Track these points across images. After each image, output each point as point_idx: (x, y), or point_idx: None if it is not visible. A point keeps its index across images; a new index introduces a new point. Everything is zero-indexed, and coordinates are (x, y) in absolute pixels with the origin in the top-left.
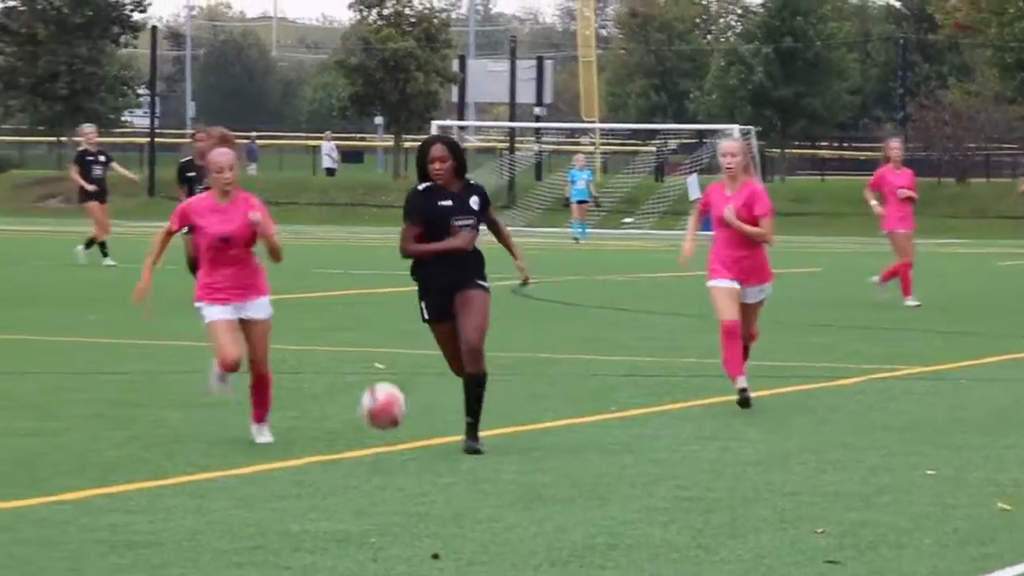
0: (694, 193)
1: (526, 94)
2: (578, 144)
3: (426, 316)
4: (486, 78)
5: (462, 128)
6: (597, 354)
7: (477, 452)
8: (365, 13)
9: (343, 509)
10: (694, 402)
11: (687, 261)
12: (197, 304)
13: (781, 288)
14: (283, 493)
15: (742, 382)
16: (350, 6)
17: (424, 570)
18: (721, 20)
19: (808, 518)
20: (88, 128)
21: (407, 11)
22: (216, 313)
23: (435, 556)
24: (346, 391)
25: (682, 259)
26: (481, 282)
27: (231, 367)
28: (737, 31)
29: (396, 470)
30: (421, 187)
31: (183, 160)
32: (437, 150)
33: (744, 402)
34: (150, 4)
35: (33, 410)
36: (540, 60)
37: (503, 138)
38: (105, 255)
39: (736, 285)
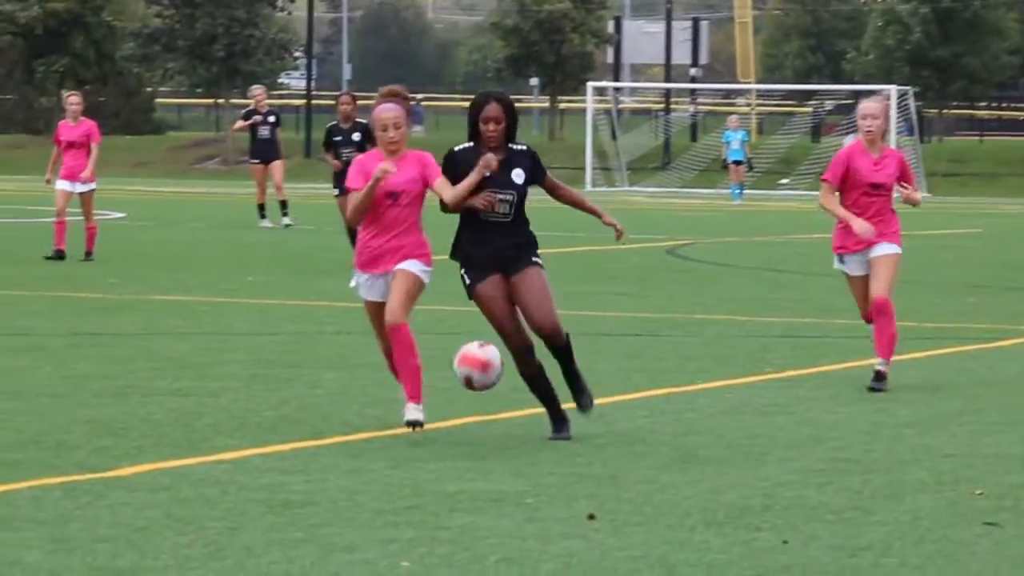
0: None
1: (682, 55)
2: (733, 105)
3: (468, 281)
4: (641, 39)
5: (617, 89)
6: (752, 315)
7: (588, 407)
8: None
9: (500, 469)
10: (850, 363)
11: (873, 232)
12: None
13: (941, 249)
14: (440, 453)
15: (880, 365)
16: None
17: (580, 530)
18: None
19: (966, 480)
20: (257, 89)
21: None
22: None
23: (591, 516)
24: (505, 353)
25: (870, 234)
26: (535, 257)
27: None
28: None
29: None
30: (459, 148)
31: (330, 124)
32: (492, 109)
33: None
34: None
35: (192, 371)
36: (696, 21)
37: (658, 99)
38: (263, 216)
39: (862, 262)
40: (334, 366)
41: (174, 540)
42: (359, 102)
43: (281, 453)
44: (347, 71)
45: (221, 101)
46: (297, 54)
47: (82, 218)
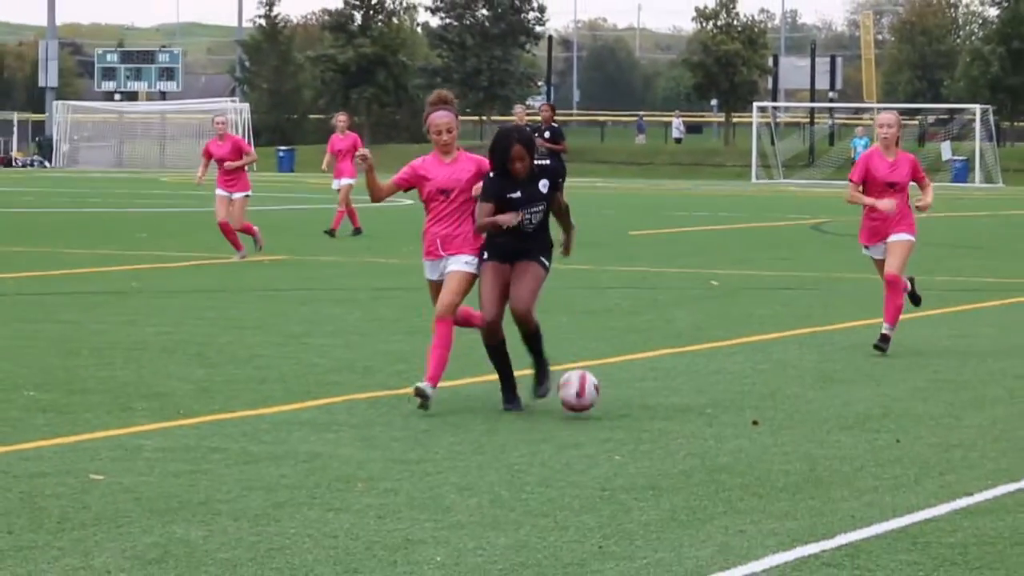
0: (946, 155)
1: (822, 82)
2: (860, 119)
3: (483, 255)
4: (793, 71)
5: (775, 108)
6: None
7: (543, 396)
8: (704, 24)
9: (686, 388)
10: (948, 309)
11: (894, 207)
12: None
13: (1016, 227)
14: (641, 376)
15: (886, 329)
16: (693, 19)
17: (746, 433)
18: (967, 27)
19: None
20: (519, 108)
21: (735, 22)
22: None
23: (755, 423)
24: (691, 301)
25: (893, 209)
26: (543, 259)
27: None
28: (979, 36)
29: (726, 359)
30: (494, 174)
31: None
32: (518, 151)
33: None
34: (548, 20)
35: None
36: (833, 58)
37: (805, 115)
38: None
39: (881, 246)
40: (565, 311)
41: (449, 439)
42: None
43: (529, 375)
44: (576, 95)
45: (484, 118)
46: (540, 83)
47: (344, 205)
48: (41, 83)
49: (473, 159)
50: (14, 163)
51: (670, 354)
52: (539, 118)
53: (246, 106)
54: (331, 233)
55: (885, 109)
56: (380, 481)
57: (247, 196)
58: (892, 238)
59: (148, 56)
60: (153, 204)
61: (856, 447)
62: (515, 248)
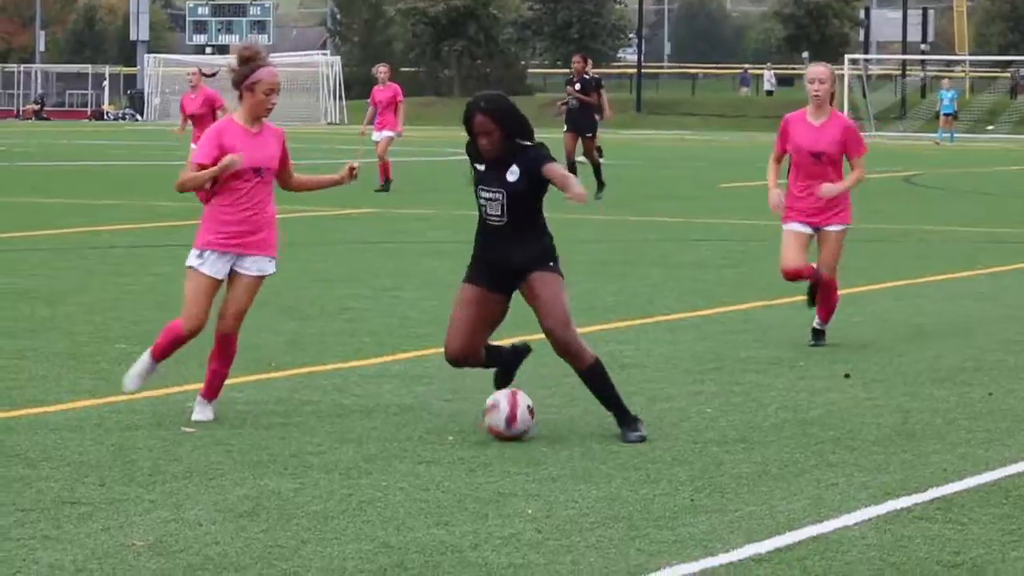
0: None
1: (914, 35)
2: (951, 72)
3: (467, 273)
4: (884, 23)
5: (867, 60)
6: (966, 226)
7: (641, 440)
8: None
9: (778, 341)
10: None
11: (780, 207)
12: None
13: None
14: (733, 329)
15: (818, 324)
16: None
17: (838, 386)
18: None
19: None
20: (577, 58)
21: None
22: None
23: (846, 375)
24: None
25: (776, 210)
26: (551, 263)
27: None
28: None
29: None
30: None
31: (568, 80)
32: (479, 123)
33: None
34: None
35: None
36: (925, 10)
37: (896, 67)
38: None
39: (808, 230)
40: (659, 263)
41: (540, 392)
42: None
43: (619, 328)
44: (667, 47)
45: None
46: (631, 35)
47: (379, 158)
48: (132, 37)
49: (274, 131)
50: (106, 116)
51: (762, 307)
52: (574, 69)
53: (337, 59)
54: (385, 188)
55: (820, 64)
56: (471, 434)
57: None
58: (825, 229)
59: (239, 9)
60: None
61: (948, 400)
62: (501, 268)
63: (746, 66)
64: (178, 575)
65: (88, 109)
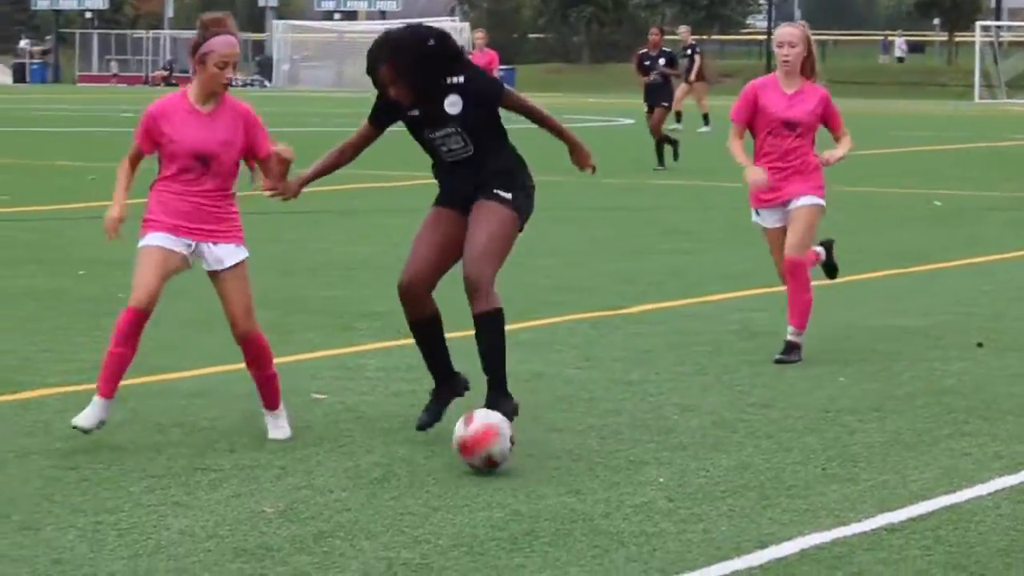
0: None
1: None
2: None
3: (434, 201)
4: None
5: (999, 27)
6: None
7: (509, 415)
8: None
9: (910, 309)
10: None
11: (762, 185)
12: None
13: None
14: (864, 298)
15: (793, 335)
16: None
17: (970, 355)
18: None
19: None
20: (654, 31)
21: None
22: None
23: (980, 345)
24: (914, 222)
25: (762, 185)
26: (500, 192)
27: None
28: None
29: (950, 280)
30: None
31: (640, 51)
32: (385, 75)
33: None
34: None
35: (685, 236)
36: None
37: None
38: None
39: (780, 215)
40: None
41: (670, 360)
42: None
43: (752, 296)
44: (797, 13)
45: (705, 37)
46: (761, 1)
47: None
48: (261, 3)
49: (241, 109)
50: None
51: (893, 275)
52: (650, 41)
53: (466, 25)
54: None
55: (791, 24)
56: (602, 402)
57: None
58: (793, 204)
59: None
60: None
61: None
62: (463, 188)
63: (886, 32)
64: (308, 542)
65: None
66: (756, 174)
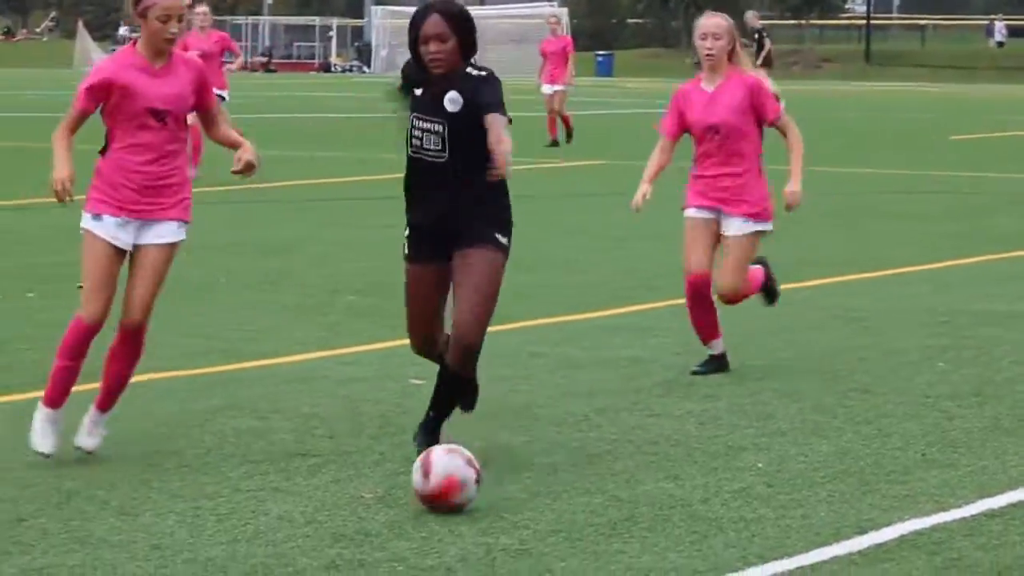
0: None
1: None
2: None
3: (405, 250)
4: None
5: None
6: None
7: (428, 445)
8: None
9: (1011, 294)
10: None
11: (639, 206)
12: None
13: None
14: (964, 282)
15: (715, 346)
16: None
17: None
18: None
19: None
20: (750, 14)
21: None
22: None
23: None
24: (1015, 207)
25: (634, 203)
26: (498, 235)
27: None
28: None
29: None
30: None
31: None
32: (432, 25)
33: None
34: None
35: (778, 221)
36: None
37: None
38: None
39: (710, 216)
40: (884, 216)
41: (772, 343)
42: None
43: (850, 281)
44: (896, 0)
45: (804, 21)
46: None
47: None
48: None
49: (191, 67)
50: (332, 69)
51: (993, 260)
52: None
53: (565, 10)
54: (568, 137)
55: (715, 14)
56: (701, 387)
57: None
58: (730, 230)
59: None
60: None
61: None
62: (447, 225)
63: (992, 17)
64: (407, 527)
65: (315, 61)
66: (636, 195)
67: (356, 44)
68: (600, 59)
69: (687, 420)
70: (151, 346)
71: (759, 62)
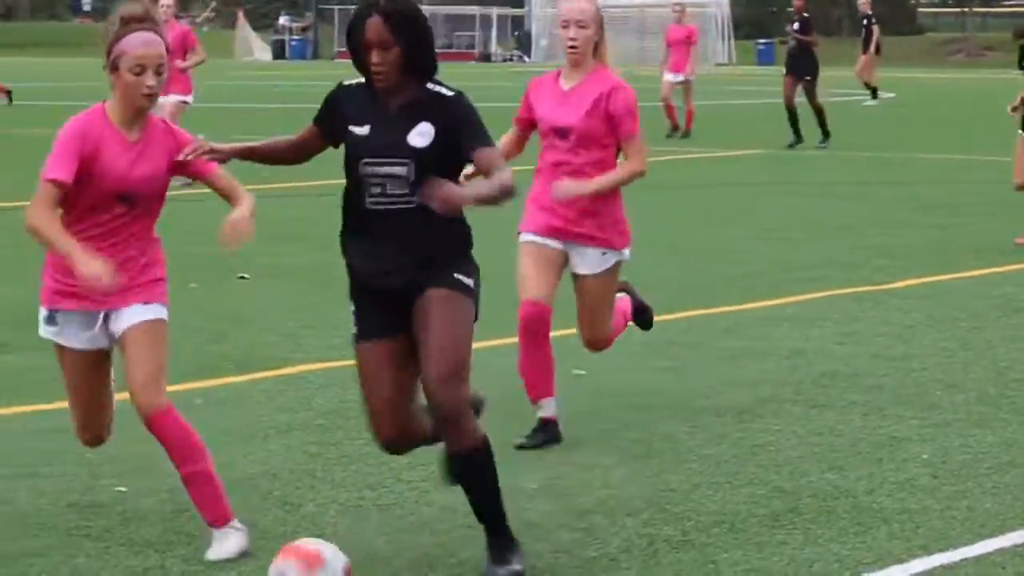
0: None
1: None
2: None
3: (353, 325)
4: None
5: None
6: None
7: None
8: None
9: None
10: None
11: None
12: None
13: None
14: None
15: (546, 407)
16: None
17: None
18: None
19: None
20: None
21: None
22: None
23: None
24: None
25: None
26: (461, 277)
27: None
28: None
29: None
30: (351, 82)
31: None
32: (374, 27)
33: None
34: None
35: (942, 210)
36: None
37: None
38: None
39: (553, 244)
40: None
41: (933, 335)
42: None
43: (1014, 271)
44: None
45: (966, 9)
46: None
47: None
48: None
49: (172, 134)
50: (492, 58)
51: None
52: (795, 7)
53: (726, 0)
54: (685, 132)
55: None
56: (864, 377)
57: (182, 102)
58: (581, 266)
59: None
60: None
61: None
62: (403, 280)
63: None
64: (570, 518)
65: (475, 51)
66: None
67: (516, 33)
68: (761, 47)
69: (851, 410)
70: (310, 337)
71: (871, 49)
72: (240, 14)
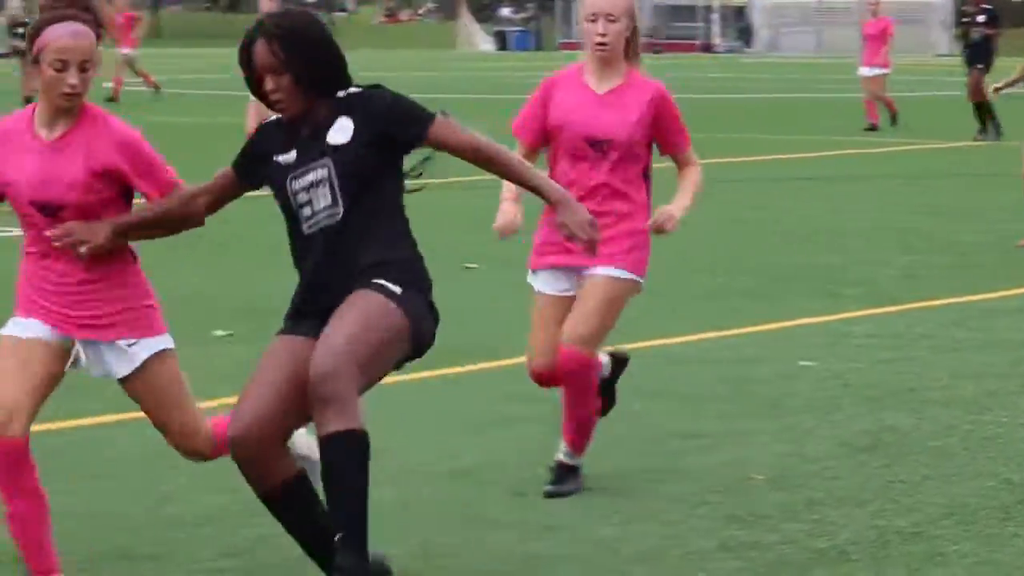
0: None
1: None
2: None
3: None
4: None
5: None
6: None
7: None
8: None
9: None
10: None
11: (509, 229)
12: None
13: None
14: None
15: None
16: None
17: None
18: None
19: None
20: None
21: None
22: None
23: None
24: None
25: (502, 227)
26: (385, 282)
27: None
28: None
29: None
30: (271, 119)
31: (964, 7)
32: (261, 52)
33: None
34: None
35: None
36: None
37: None
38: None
39: (567, 285)
40: None
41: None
42: None
43: None
44: None
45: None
46: None
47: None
48: None
49: (122, 132)
50: (714, 49)
51: None
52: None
53: None
54: (893, 120)
55: None
56: None
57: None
58: (590, 272)
59: None
60: (850, 91)
61: None
62: (328, 293)
63: None
64: (799, 509)
65: (696, 42)
66: (502, 217)
67: (737, 25)
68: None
69: None
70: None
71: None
72: (463, 5)
